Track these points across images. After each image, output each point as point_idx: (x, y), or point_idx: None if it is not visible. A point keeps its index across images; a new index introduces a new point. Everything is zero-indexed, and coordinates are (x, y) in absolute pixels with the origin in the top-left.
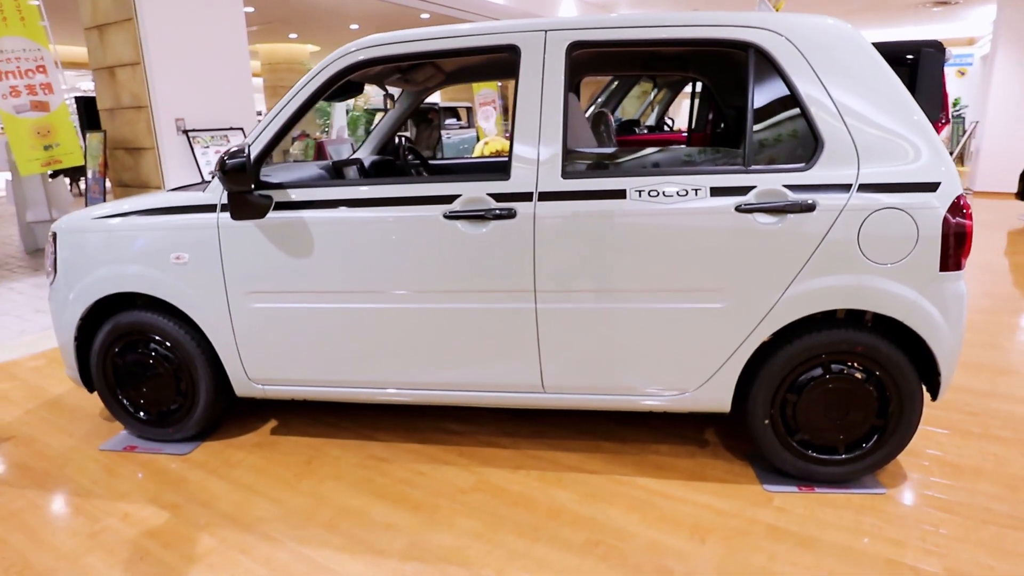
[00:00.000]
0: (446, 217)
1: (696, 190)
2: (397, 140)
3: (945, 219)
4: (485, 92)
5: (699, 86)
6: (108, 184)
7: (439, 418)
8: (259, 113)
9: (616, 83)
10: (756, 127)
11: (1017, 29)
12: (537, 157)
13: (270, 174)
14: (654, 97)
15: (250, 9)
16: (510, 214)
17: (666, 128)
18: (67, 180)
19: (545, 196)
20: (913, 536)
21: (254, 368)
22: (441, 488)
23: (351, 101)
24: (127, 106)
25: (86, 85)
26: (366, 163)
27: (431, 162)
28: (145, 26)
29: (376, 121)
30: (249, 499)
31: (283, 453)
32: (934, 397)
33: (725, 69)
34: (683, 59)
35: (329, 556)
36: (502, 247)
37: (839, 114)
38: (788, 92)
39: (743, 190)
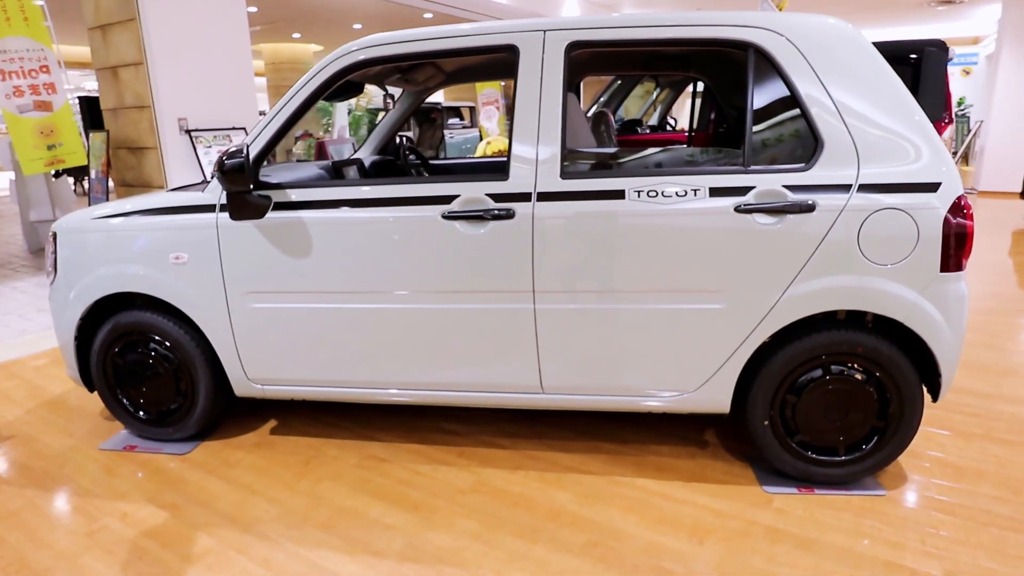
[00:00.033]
0: (445, 217)
1: (695, 190)
2: (398, 140)
3: (946, 219)
4: (488, 92)
5: (701, 86)
6: (111, 184)
7: (439, 418)
8: (262, 113)
9: (618, 83)
10: (756, 127)
11: (1022, 28)
12: (536, 157)
13: (269, 174)
14: (656, 97)
15: (253, 9)
16: (508, 214)
17: (668, 128)
18: (71, 180)
19: (544, 196)
20: (913, 538)
21: (253, 368)
22: (440, 489)
23: (353, 101)
24: (130, 106)
25: (91, 85)
26: (366, 163)
27: (431, 162)
28: (148, 26)
29: (378, 121)
30: (248, 499)
31: (282, 453)
32: (935, 398)
33: (726, 69)
34: (684, 59)
35: (326, 556)
36: (501, 247)
37: (839, 114)
38: (788, 92)
39: (742, 190)
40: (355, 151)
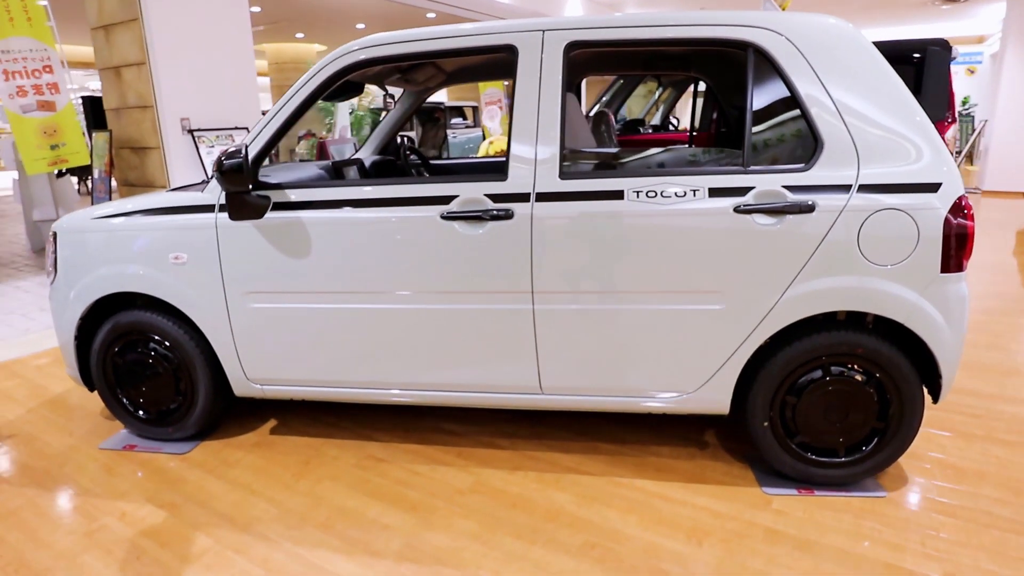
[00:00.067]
0: (443, 218)
1: (694, 191)
2: (399, 140)
3: (946, 220)
4: (491, 91)
5: (703, 85)
6: (114, 184)
7: (438, 418)
8: (264, 113)
9: (620, 82)
10: (755, 127)
11: None
12: (534, 157)
13: (269, 174)
14: (659, 97)
15: (257, 9)
16: (507, 215)
17: (671, 128)
18: (74, 179)
19: (542, 197)
20: (913, 540)
21: (252, 368)
22: (438, 489)
23: (355, 101)
24: (133, 106)
25: (96, 85)
26: (367, 163)
27: (432, 162)
28: (150, 26)
29: (381, 120)
30: (246, 499)
31: (281, 453)
32: (935, 400)
33: (726, 69)
34: (684, 59)
35: (325, 556)
36: (499, 248)
37: (839, 114)
38: (787, 92)
39: (742, 191)
40: (356, 151)
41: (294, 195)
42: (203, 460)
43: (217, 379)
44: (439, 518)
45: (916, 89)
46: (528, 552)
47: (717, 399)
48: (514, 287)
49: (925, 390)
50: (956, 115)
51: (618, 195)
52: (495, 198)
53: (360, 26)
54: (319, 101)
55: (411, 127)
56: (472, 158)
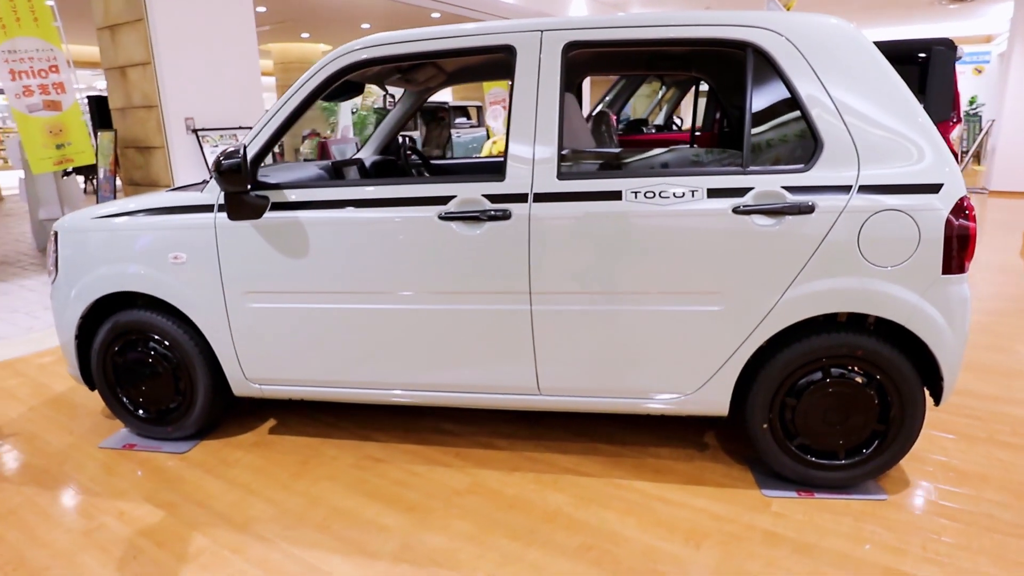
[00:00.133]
0: (441, 218)
1: (693, 191)
2: (400, 140)
3: (948, 221)
4: (495, 91)
5: (705, 85)
6: (119, 183)
7: (437, 419)
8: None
9: (623, 82)
10: (755, 128)
11: None
12: (533, 158)
13: (268, 174)
14: (662, 96)
15: (262, 9)
16: (505, 215)
17: (674, 127)
18: (80, 178)
19: (540, 197)
20: (914, 543)
21: (251, 368)
22: (436, 490)
23: (357, 100)
24: (138, 105)
25: (103, 84)
26: (367, 163)
27: (433, 162)
28: (155, 26)
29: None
30: (244, 499)
31: (280, 452)
32: (937, 402)
33: (727, 69)
34: (685, 59)
35: (321, 557)
36: (497, 248)
37: (839, 114)
38: (787, 92)
39: (741, 191)
40: (358, 151)
41: (292, 195)
42: (202, 459)
43: (216, 379)
44: (436, 519)
45: (921, 89)
46: (524, 554)
47: (716, 400)
48: (511, 288)
49: (927, 392)
50: (961, 115)
51: (616, 196)
52: (493, 198)
53: (365, 26)
54: (322, 101)
55: (416, 127)
56: (472, 158)
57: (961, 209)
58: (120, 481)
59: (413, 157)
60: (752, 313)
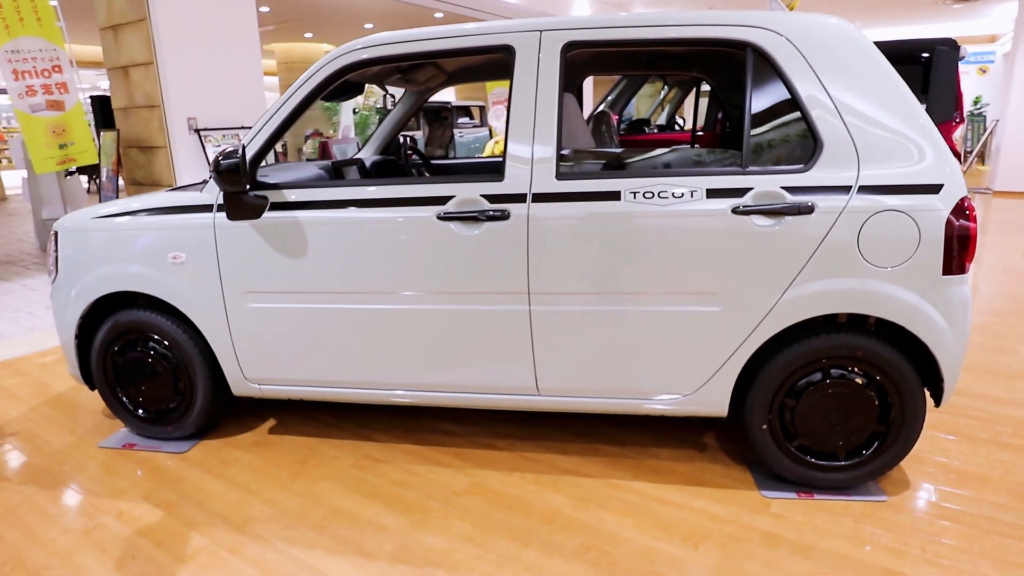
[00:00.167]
0: (440, 218)
1: (692, 192)
2: (400, 139)
3: (948, 221)
4: (499, 91)
5: (706, 85)
6: (121, 182)
7: (436, 419)
8: None
9: (624, 82)
10: (755, 128)
11: None
12: (531, 158)
13: (268, 174)
14: (664, 96)
15: (265, 9)
16: (503, 215)
17: (677, 127)
18: (84, 178)
19: (539, 197)
20: (914, 545)
21: (250, 368)
22: (435, 490)
23: (359, 100)
24: (140, 105)
25: (107, 84)
26: (367, 163)
27: (433, 162)
28: (158, 26)
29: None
30: (243, 498)
31: (279, 452)
32: (937, 403)
33: (727, 69)
34: (686, 59)
35: (319, 557)
36: (496, 249)
37: (839, 114)
38: (787, 92)
39: (740, 192)
40: (359, 151)
41: (291, 195)
42: (201, 459)
43: (216, 378)
44: (434, 519)
45: (924, 89)
46: (522, 555)
47: (715, 401)
48: (510, 288)
49: (927, 393)
50: (964, 115)
51: (615, 196)
52: (491, 199)
53: (368, 26)
54: (323, 101)
55: (418, 126)
56: (473, 158)
57: (962, 209)
58: (119, 480)
59: (413, 157)
60: (751, 314)
